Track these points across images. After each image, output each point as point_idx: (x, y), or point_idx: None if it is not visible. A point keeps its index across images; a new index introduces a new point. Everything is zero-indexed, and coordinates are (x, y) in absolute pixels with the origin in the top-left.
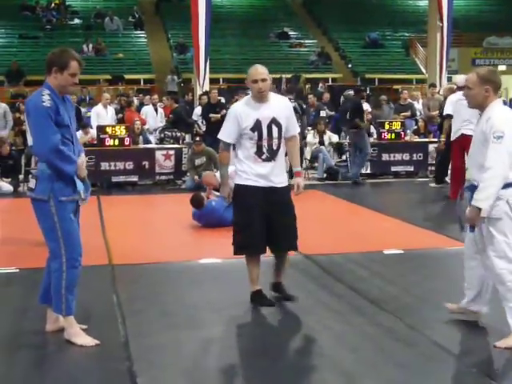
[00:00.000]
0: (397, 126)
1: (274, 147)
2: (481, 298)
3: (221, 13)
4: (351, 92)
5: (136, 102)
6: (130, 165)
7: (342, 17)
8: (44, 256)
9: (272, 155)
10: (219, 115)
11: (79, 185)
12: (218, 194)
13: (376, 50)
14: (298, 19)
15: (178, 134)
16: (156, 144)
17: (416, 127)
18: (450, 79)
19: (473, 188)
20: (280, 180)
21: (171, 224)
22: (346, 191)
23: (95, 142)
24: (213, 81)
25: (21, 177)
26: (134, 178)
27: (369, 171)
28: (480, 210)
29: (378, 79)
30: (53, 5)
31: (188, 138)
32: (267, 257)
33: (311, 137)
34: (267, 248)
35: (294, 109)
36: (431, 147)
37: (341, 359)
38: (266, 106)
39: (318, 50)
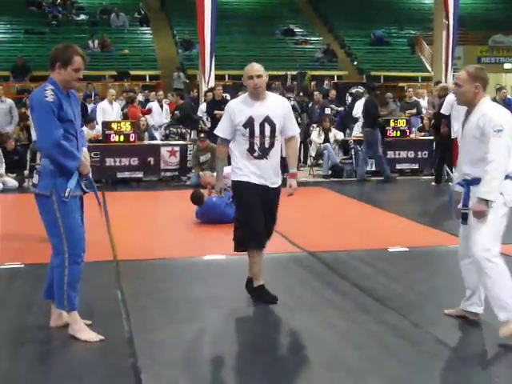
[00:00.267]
0: (402, 123)
1: (266, 145)
2: (475, 298)
3: (227, 9)
4: (359, 89)
5: (141, 98)
6: (135, 161)
7: (347, 14)
8: (48, 252)
9: (264, 153)
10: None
11: (71, 182)
12: None
13: (382, 48)
14: (304, 16)
15: (183, 131)
16: (161, 140)
17: (421, 125)
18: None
19: (466, 183)
20: (273, 180)
21: (176, 220)
22: (351, 188)
23: (100, 138)
24: (218, 77)
25: (26, 172)
26: (139, 174)
27: (373, 169)
28: (487, 202)
29: (384, 77)
30: (59, 0)
31: (194, 134)
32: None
33: (316, 134)
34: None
35: (293, 107)
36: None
37: (345, 356)
38: (261, 104)
39: (323, 47)
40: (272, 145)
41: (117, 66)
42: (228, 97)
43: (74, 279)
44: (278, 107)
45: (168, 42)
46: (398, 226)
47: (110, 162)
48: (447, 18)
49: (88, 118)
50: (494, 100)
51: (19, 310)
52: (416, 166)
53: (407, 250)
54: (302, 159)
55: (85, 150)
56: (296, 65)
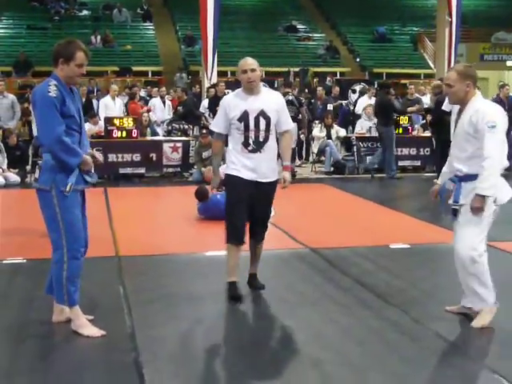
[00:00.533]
0: (404, 120)
1: (261, 139)
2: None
3: (229, 5)
4: (361, 86)
5: (143, 93)
6: (137, 157)
7: (350, 11)
8: (50, 247)
9: (258, 147)
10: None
11: (72, 176)
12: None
13: (384, 45)
14: (307, 13)
15: (186, 127)
16: (163, 136)
17: (424, 121)
18: None
19: (458, 179)
20: (267, 175)
21: (178, 216)
22: (353, 185)
23: (103, 134)
24: (221, 73)
25: (28, 167)
26: (142, 170)
27: (376, 166)
28: (484, 197)
29: (386, 73)
30: None
31: (196, 130)
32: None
33: (318, 130)
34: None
35: (291, 102)
36: None
37: (347, 352)
38: (255, 98)
39: (326, 44)
40: (267, 138)
41: (119, 61)
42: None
43: (73, 274)
44: (272, 101)
45: (170, 37)
46: (400, 222)
47: (112, 157)
48: (450, 15)
49: (91, 114)
50: (498, 97)
51: (21, 305)
52: (418, 163)
53: (409, 246)
54: (304, 156)
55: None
56: (298, 61)
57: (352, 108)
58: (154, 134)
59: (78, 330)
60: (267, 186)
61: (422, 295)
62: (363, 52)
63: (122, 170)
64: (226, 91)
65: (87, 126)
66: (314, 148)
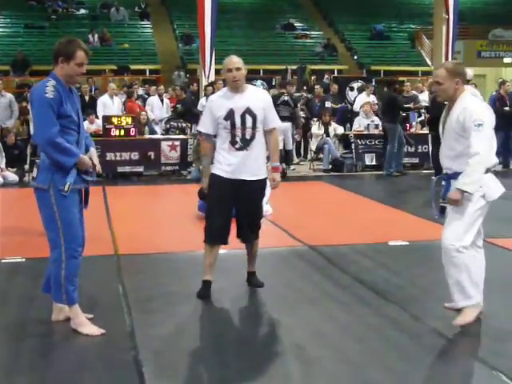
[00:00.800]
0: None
1: (248, 137)
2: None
3: (227, 3)
4: (359, 84)
5: (141, 92)
6: (135, 155)
7: (348, 8)
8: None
9: (245, 144)
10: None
11: (70, 176)
12: None
13: (382, 42)
14: (304, 10)
15: (184, 125)
16: (162, 134)
17: (423, 118)
18: None
19: (447, 177)
20: (254, 172)
21: (176, 214)
22: (351, 182)
23: (101, 133)
24: (218, 72)
25: (26, 167)
26: (140, 169)
27: (374, 163)
28: (463, 192)
29: (384, 71)
30: None
31: (194, 128)
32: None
33: (316, 128)
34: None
35: (286, 102)
36: None
37: (346, 349)
38: (240, 96)
39: (323, 42)
40: (253, 136)
41: (117, 60)
42: None
43: (71, 273)
44: (258, 99)
45: (168, 36)
46: (399, 219)
47: (110, 156)
48: (447, 12)
49: (87, 112)
50: (498, 93)
51: (21, 304)
52: (416, 160)
53: (407, 243)
54: (302, 153)
55: (93, 150)
56: (296, 59)
57: (350, 106)
58: (152, 132)
59: (78, 328)
60: (255, 184)
61: (421, 292)
62: (361, 49)
63: (120, 169)
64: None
65: (84, 125)
66: (313, 146)
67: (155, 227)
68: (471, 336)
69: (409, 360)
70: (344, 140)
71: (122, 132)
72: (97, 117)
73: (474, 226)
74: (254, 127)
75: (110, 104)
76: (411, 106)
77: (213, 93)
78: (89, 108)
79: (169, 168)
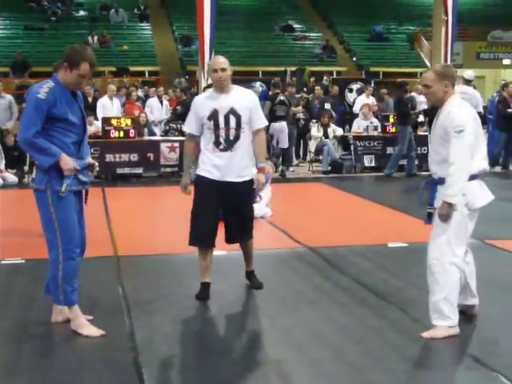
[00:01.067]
0: None
1: (232, 137)
2: (467, 290)
3: (226, 5)
4: (358, 86)
5: (141, 93)
6: (134, 157)
7: (346, 10)
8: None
9: (229, 145)
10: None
11: (66, 178)
12: None
13: (381, 44)
14: (303, 12)
15: (183, 126)
16: (161, 136)
17: (423, 120)
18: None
19: (433, 182)
20: (239, 174)
21: (176, 216)
22: (351, 184)
23: (100, 134)
24: None
25: (26, 168)
26: (139, 170)
27: (373, 164)
28: (451, 204)
29: (383, 72)
30: None
31: None
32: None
33: (315, 130)
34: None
35: (283, 101)
36: None
37: (345, 351)
38: (225, 97)
39: (322, 43)
40: (238, 137)
41: (116, 62)
42: None
43: (68, 274)
44: (243, 99)
45: (167, 37)
46: (398, 221)
47: (109, 157)
48: (446, 13)
49: (86, 113)
50: (501, 95)
51: (20, 306)
52: (416, 162)
53: (407, 245)
54: (301, 155)
55: (88, 158)
56: (295, 61)
57: (348, 107)
58: (152, 133)
59: (78, 329)
60: (241, 186)
61: (421, 294)
62: (360, 51)
63: (119, 170)
64: None
65: None
66: (312, 147)
67: (155, 228)
68: (471, 338)
69: (408, 362)
70: (343, 141)
71: (122, 133)
72: (96, 118)
73: (459, 236)
74: (238, 128)
75: (109, 105)
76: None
77: None
78: (91, 109)
79: (168, 169)
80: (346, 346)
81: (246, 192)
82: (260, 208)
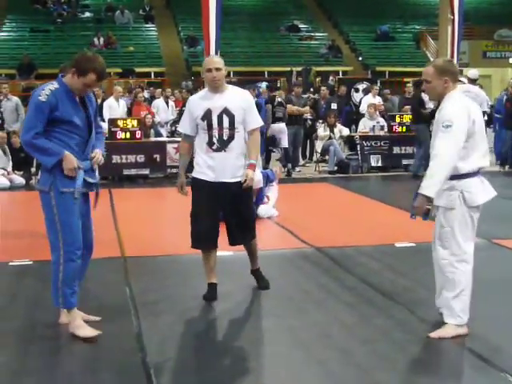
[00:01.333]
0: (407, 119)
1: (225, 137)
2: None
3: (231, 6)
4: (364, 85)
5: (147, 95)
6: (141, 158)
7: (352, 9)
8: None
9: (222, 145)
10: None
11: (78, 182)
12: None
13: (387, 43)
14: (309, 12)
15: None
16: (167, 137)
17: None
18: (460, 72)
19: None
20: (234, 174)
21: (182, 216)
22: (357, 184)
23: (106, 135)
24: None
25: (33, 170)
26: (146, 171)
27: (380, 164)
28: (427, 197)
29: (389, 72)
30: None
31: None
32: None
33: (322, 130)
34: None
35: (280, 103)
36: None
37: (352, 351)
38: (219, 96)
39: (328, 43)
40: (231, 137)
41: (122, 63)
42: None
43: (68, 277)
44: (237, 99)
45: (173, 38)
46: (405, 221)
47: (116, 159)
48: (452, 12)
49: None
50: (510, 94)
51: (28, 307)
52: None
53: (414, 245)
54: (307, 155)
55: (97, 150)
56: (301, 61)
57: (354, 107)
58: (158, 134)
59: (75, 331)
60: (236, 186)
61: (428, 294)
62: (366, 51)
63: (126, 172)
64: None
65: None
66: (318, 147)
67: (161, 229)
68: (479, 338)
69: (415, 362)
70: (349, 141)
71: (128, 135)
72: (102, 120)
73: (465, 234)
74: (231, 128)
75: (115, 107)
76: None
77: None
78: (100, 111)
79: (174, 170)
80: (352, 346)
81: (242, 192)
82: (268, 209)
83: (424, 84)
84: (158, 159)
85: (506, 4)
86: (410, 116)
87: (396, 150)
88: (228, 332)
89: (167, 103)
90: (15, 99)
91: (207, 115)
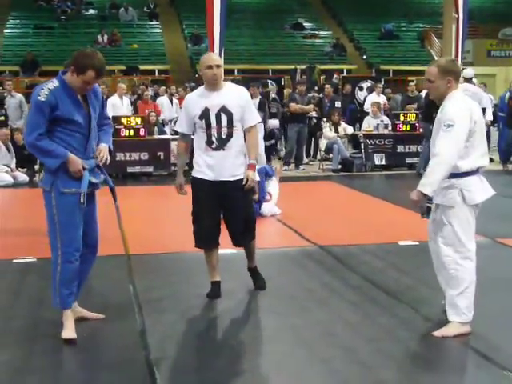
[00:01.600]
0: (411, 117)
1: (224, 136)
2: None
3: (236, 3)
4: (368, 83)
5: (151, 92)
6: (145, 155)
7: (357, 8)
8: None
9: (221, 144)
10: None
11: (84, 183)
12: None
13: (391, 42)
14: (313, 10)
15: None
16: (171, 135)
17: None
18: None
19: None
20: (233, 173)
21: (186, 214)
22: (361, 182)
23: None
24: (227, 72)
25: (36, 167)
26: (149, 169)
27: (384, 163)
28: (424, 194)
29: (393, 70)
30: None
31: None
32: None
33: (328, 130)
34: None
35: (274, 99)
36: None
37: (356, 350)
38: (216, 94)
39: (332, 41)
40: (230, 135)
41: (126, 60)
42: None
43: (66, 277)
44: (235, 96)
45: (177, 36)
46: (409, 219)
47: (120, 156)
48: (457, 11)
49: None
50: None
51: (32, 304)
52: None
53: (417, 243)
54: (311, 153)
55: (103, 145)
56: (305, 59)
57: (358, 106)
58: (162, 132)
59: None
60: (236, 184)
61: (431, 292)
62: (370, 49)
63: (129, 169)
64: None
65: None
66: (322, 146)
67: (165, 227)
68: (482, 336)
69: (419, 360)
70: (353, 140)
71: (132, 132)
72: None
73: (467, 232)
74: (230, 126)
75: (119, 104)
76: (415, 106)
77: None
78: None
79: None
80: (356, 344)
81: (241, 190)
82: (270, 207)
83: (427, 83)
84: (161, 157)
85: (511, 3)
86: (415, 114)
87: (400, 148)
88: (231, 330)
89: (171, 101)
90: (19, 96)
91: (205, 114)
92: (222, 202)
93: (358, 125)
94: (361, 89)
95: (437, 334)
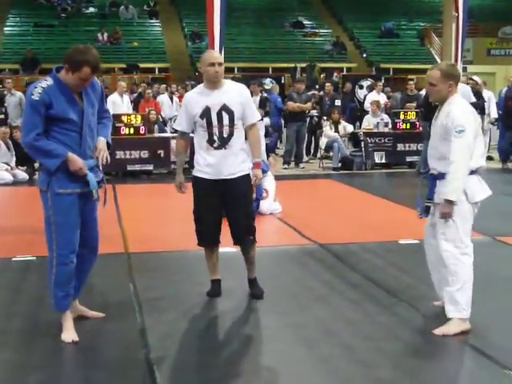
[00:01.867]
0: (412, 115)
1: (225, 134)
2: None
3: (236, 2)
4: (368, 82)
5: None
6: (145, 153)
7: (357, 6)
8: None
9: (223, 143)
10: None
11: (92, 183)
12: None
13: (391, 40)
14: (313, 8)
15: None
16: (171, 133)
17: None
18: (465, 69)
19: (432, 177)
20: (233, 171)
21: (186, 213)
22: (361, 181)
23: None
24: (228, 70)
25: (36, 165)
26: (149, 167)
27: (384, 161)
28: (451, 202)
29: (393, 69)
30: None
31: None
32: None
33: (329, 129)
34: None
35: (266, 98)
36: None
37: (356, 348)
38: (217, 93)
39: (332, 40)
40: (231, 133)
41: (126, 58)
42: None
43: (60, 279)
44: (235, 94)
45: (177, 34)
46: (409, 218)
47: (120, 154)
48: (457, 9)
49: None
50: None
51: (32, 303)
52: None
53: (418, 242)
54: (312, 151)
55: (101, 138)
56: (305, 57)
57: (358, 104)
58: (162, 130)
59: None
60: (237, 181)
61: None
62: (370, 47)
63: (129, 167)
64: None
65: None
66: (322, 144)
67: (165, 225)
68: (483, 335)
69: (420, 359)
70: (353, 138)
71: (132, 130)
72: None
73: (466, 228)
74: (231, 124)
75: (119, 102)
76: (414, 105)
77: None
78: None
79: None
80: (356, 342)
81: (242, 187)
82: (269, 204)
83: (428, 86)
84: (161, 155)
85: (511, 1)
86: (415, 112)
87: (400, 146)
88: (231, 329)
89: (171, 99)
90: (19, 94)
91: (206, 113)
92: (224, 199)
93: (358, 123)
94: (361, 87)
95: (437, 332)
